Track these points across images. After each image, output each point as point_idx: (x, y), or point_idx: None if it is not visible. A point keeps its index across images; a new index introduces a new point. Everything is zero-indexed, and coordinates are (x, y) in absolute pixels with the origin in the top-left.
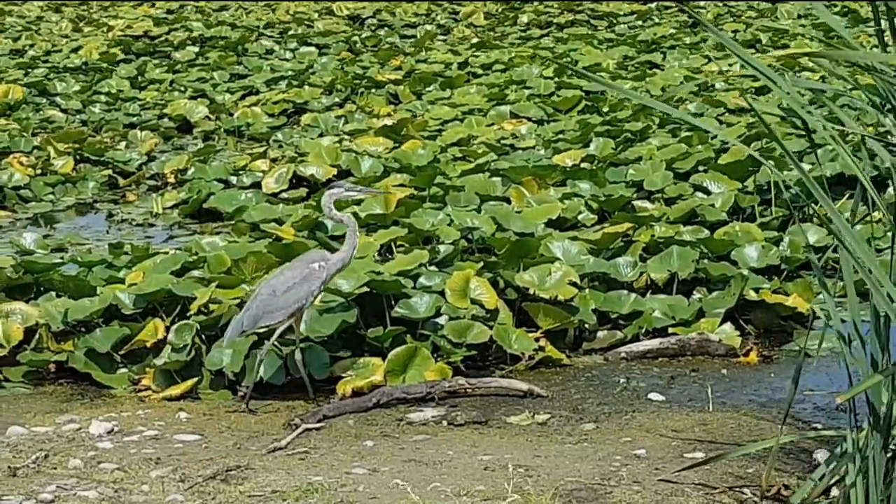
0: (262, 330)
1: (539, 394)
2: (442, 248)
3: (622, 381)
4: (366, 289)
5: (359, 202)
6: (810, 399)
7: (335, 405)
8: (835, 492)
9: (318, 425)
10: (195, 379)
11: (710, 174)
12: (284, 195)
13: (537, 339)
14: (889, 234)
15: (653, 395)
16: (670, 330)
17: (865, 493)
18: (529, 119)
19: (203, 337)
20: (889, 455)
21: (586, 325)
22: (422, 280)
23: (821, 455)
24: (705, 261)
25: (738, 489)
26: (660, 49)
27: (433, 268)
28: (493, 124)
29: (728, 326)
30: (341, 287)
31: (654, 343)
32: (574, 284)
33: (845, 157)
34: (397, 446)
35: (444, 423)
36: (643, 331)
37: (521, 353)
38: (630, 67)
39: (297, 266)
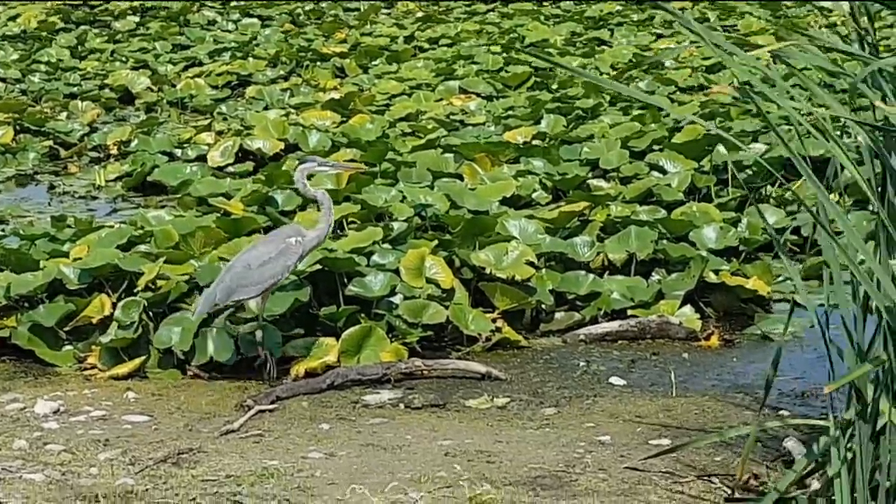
0: (234, 304)
1: (497, 376)
2: (395, 225)
3: (582, 364)
4: (318, 266)
5: (310, 176)
6: (775, 384)
7: (288, 386)
8: (815, 484)
9: (271, 407)
10: (143, 357)
11: (666, 153)
12: (231, 169)
13: (494, 320)
14: (848, 216)
15: (614, 380)
16: (629, 312)
17: (851, 484)
18: (478, 95)
19: (150, 314)
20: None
21: (543, 306)
22: (375, 258)
23: (791, 443)
24: (664, 241)
25: (706, 478)
26: (607, 25)
27: (387, 245)
28: (441, 99)
29: (688, 309)
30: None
31: (613, 325)
32: (531, 264)
33: (820, 139)
34: (354, 430)
35: (402, 405)
36: (601, 312)
37: (477, 334)
38: (578, 44)
39: (272, 240)
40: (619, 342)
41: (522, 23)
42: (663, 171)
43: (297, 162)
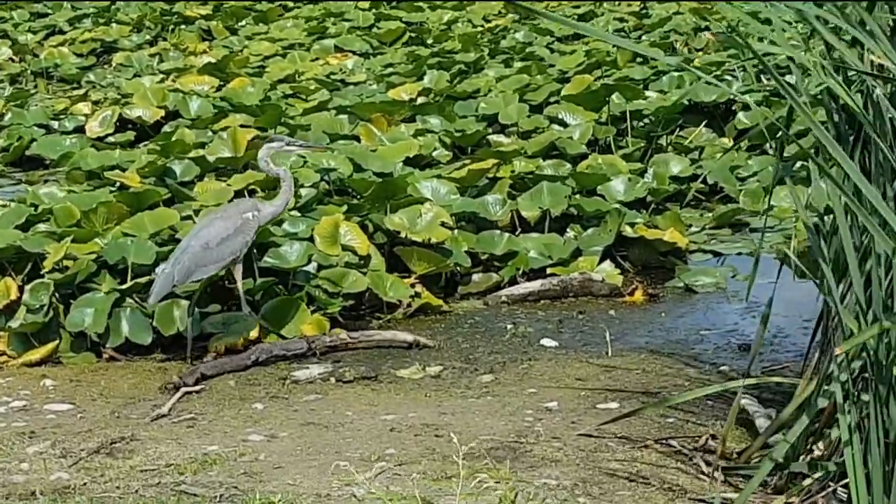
0: (194, 284)
1: (426, 344)
2: (303, 191)
3: (509, 326)
4: None
5: (203, 144)
6: (709, 338)
7: (212, 364)
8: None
9: (197, 388)
10: (55, 342)
11: (565, 105)
12: (111, 139)
13: (412, 285)
14: (749, 161)
15: (545, 342)
16: (549, 270)
17: (864, 448)
18: (354, 53)
19: (59, 296)
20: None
21: (460, 269)
22: (286, 227)
23: (746, 402)
24: (577, 196)
25: (664, 441)
26: None
27: (296, 213)
28: (317, 59)
29: (608, 265)
30: None
31: (535, 285)
32: (446, 226)
33: (830, 82)
34: (290, 408)
35: (333, 379)
36: (520, 272)
37: (397, 301)
38: None
39: (229, 216)
40: (543, 302)
41: None
42: (563, 124)
43: (263, 140)
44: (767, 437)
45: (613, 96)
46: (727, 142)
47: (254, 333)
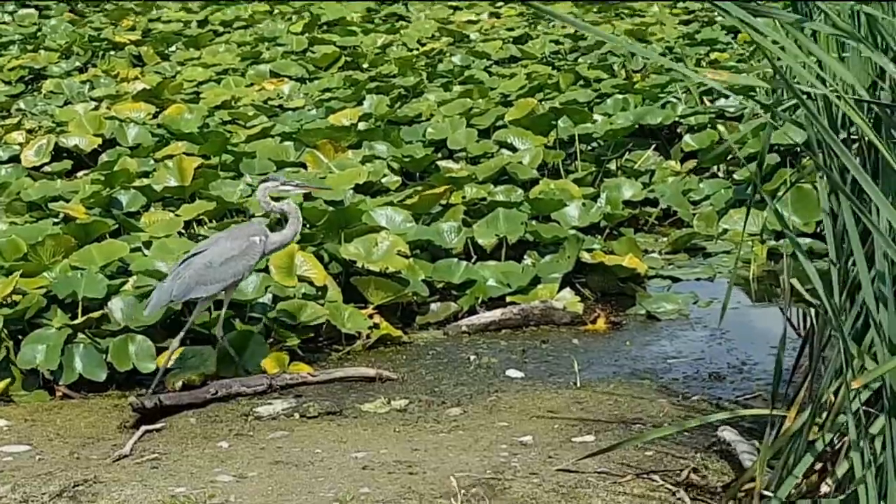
0: (189, 301)
1: (389, 377)
2: (255, 220)
3: (472, 357)
4: None
5: (147, 173)
6: (677, 367)
7: (171, 395)
8: (825, 487)
9: (157, 426)
10: (6, 380)
11: (513, 130)
12: (47, 168)
13: (370, 316)
14: (701, 185)
15: (511, 372)
16: (508, 298)
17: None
18: (290, 78)
19: (8, 332)
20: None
21: (416, 298)
22: None
23: (727, 433)
24: (534, 222)
25: (645, 476)
26: (400, 0)
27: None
28: (252, 84)
29: (568, 292)
30: (160, 268)
31: (495, 314)
32: (402, 255)
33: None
34: (256, 446)
35: (297, 415)
36: (479, 301)
37: (356, 332)
38: (377, 20)
39: (236, 237)
40: (504, 331)
41: (312, 2)
42: (513, 149)
43: (259, 181)
44: (755, 472)
45: (561, 120)
46: (674, 164)
47: (211, 368)
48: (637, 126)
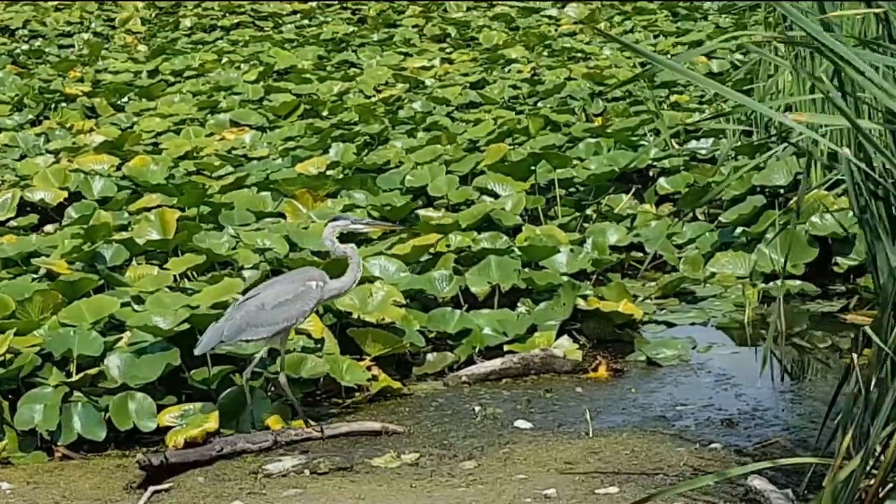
0: (241, 344)
1: (395, 430)
2: (247, 273)
3: (477, 408)
4: (185, 325)
5: (123, 227)
6: (689, 414)
7: (177, 452)
8: None
9: (166, 486)
10: (2, 442)
11: (492, 175)
12: (13, 223)
13: (369, 368)
14: (684, 229)
15: (519, 423)
16: (506, 347)
17: None
18: (251, 126)
19: (2, 392)
20: None
21: (412, 349)
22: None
23: (758, 482)
24: (526, 270)
25: None
26: (350, 47)
27: (239, 296)
28: (213, 134)
29: (566, 339)
30: (158, 324)
31: (495, 363)
32: (397, 304)
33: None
34: None
35: (307, 472)
36: (476, 350)
37: (355, 385)
38: (329, 68)
39: (293, 280)
40: (505, 381)
41: (261, 49)
42: (494, 195)
43: (327, 219)
44: None
45: (539, 165)
46: (649, 208)
47: (213, 425)
48: (615, 170)
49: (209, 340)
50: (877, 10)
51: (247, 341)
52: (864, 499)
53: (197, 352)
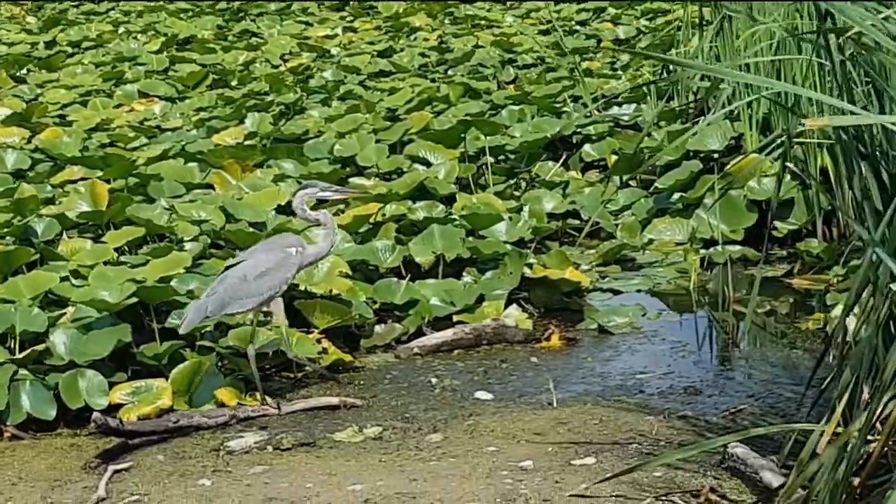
0: (227, 317)
1: (353, 404)
2: (187, 246)
3: (434, 380)
4: (134, 300)
5: (50, 200)
6: (650, 382)
7: (135, 423)
8: None
9: (126, 465)
10: None
11: (423, 144)
12: None
13: (318, 341)
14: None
15: (480, 394)
16: (455, 318)
17: None
18: (159, 97)
19: None
20: None
21: (360, 320)
22: (173, 284)
23: (740, 450)
24: (470, 238)
25: (664, 498)
26: (248, 16)
27: (181, 270)
28: (121, 105)
29: (515, 309)
30: (105, 298)
31: (447, 334)
32: (344, 275)
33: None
34: (241, 482)
35: (269, 448)
36: (425, 321)
37: (306, 358)
38: (231, 37)
39: (272, 249)
40: (457, 352)
41: (157, 19)
42: (427, 164)
43: (296, 188)
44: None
45: (469, 133)
46: (575, 175)
47: (166, 402)
48: (548, 137)
49: (193, 317)
50: None
51: (232, 314)
52: (865, 464)
53: (181, 331)
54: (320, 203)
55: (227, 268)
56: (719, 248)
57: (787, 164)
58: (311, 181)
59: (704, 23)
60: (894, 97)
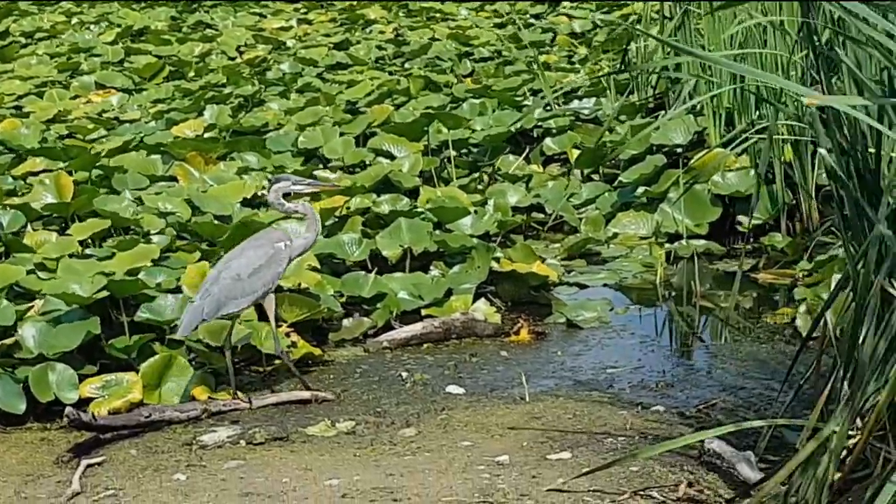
0: (223, 317)
1: (325, 398)
2: (156, 238)
3: (404, 374)
4: (104, 293)
5: (12, 192)
6: (620, 377)
7: (105, 416)
8: None
9: (99, 459)
10: None
11: (387, 137)
12: None
13: (287, 335)
14: (582, 189)
15: (451, 388)
16: (424, 312)
17: None
18: (117, 89)
19: None
20: None
21: (328, 314)
22: (142, 277)
23: (716, 444)
24: (437, 232)
25: (642, 493)
26: (202, 7)
27: (149, 263)
28: (78, 97)
29: (483, 303)
30: (76, 291)
31: (416, 328)
32: (312, 269)
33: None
34: (216, 477)
35: (243, 442)
36: (393, 315)
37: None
38: (185, 29)
39: (261, 245)
40: (426, 345)
41: (110, 10)
42: (391, 157)
43: (268, 181)
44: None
45: (431, 126)
46: (536, 168)
47: (137, 396)
48: (511, 131)
49: (191, 320)
50: None
51: (229, 314)
52: (847, 458)
53: (178, 335)
54: (286, 196)
55: (218, 269)
56: (684, 242)
57: (766, 157)
58: (283, 175)
59: (665, 17)
60: (873, 90)
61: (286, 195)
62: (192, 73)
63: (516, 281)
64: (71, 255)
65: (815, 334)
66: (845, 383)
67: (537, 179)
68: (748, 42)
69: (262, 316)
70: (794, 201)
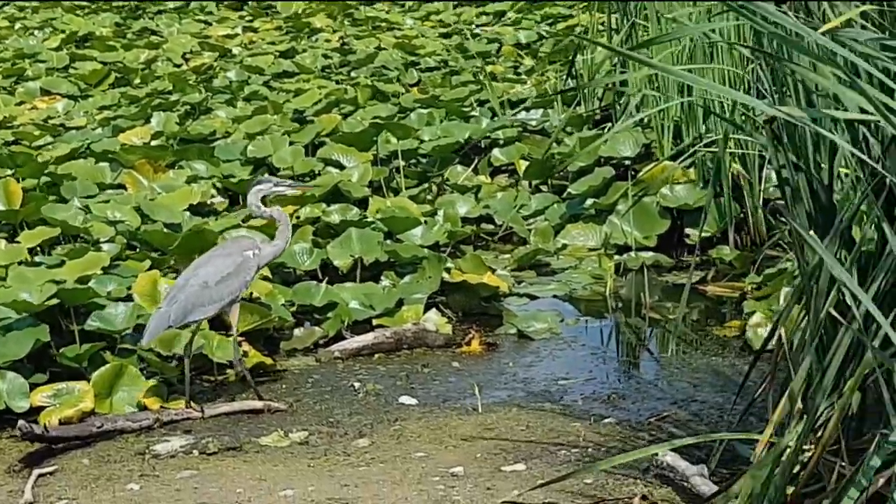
0: (189, 324)
1: (277, 408)
2: (105, 246)
3: (356, 384)
4: (55, 300)
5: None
6: (573, 388)
7: (57, 427)
8: None
9: (51, 469)
10: None
11: (336, 146)
12: None
13: (239, 344)
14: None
15: (404, 399)
16: (375, 322)
17: None
18: (62, 95)
19: None
20: None
21: (279, 323)
22: (93, 285)
23: (670, 458)
24: (388, 242)
25: None
26: (146, 14)
27: (99, 271)
28: (23, 103)
29: (434, 313)
30: (27, 299)
31: (367, 338)
32: (265, 278)
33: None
34: (171, 487)
35: (195, 452)
36: (345, 325)
37: (226, 361)
38: (130, 35)
39: (229, 253)
40: (377, 356)
41: (53, 16)
42: (340, 166)
43: (251, 183)
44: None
45: (382, 136)
46: (484, 178)
47: (89, 405)
48: (460, 141)
49: (157, 327)
50: None
51: (195, 321)
52: (801, 472)
53: (143, 342)
54: (264, 199)
55: (186, 276)
56: (633, 254)
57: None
58: (265, 177)
59: (612, 29)
60: (826, 104)
61: (264, 198)
62: (137, 80)
63: (467, 292)
64: (20, 263)
65: (768, 347)
66: (799, 397)
67: (486, 190)
68: (695, 57)
69: (216, 325)
70: (742, 214)
